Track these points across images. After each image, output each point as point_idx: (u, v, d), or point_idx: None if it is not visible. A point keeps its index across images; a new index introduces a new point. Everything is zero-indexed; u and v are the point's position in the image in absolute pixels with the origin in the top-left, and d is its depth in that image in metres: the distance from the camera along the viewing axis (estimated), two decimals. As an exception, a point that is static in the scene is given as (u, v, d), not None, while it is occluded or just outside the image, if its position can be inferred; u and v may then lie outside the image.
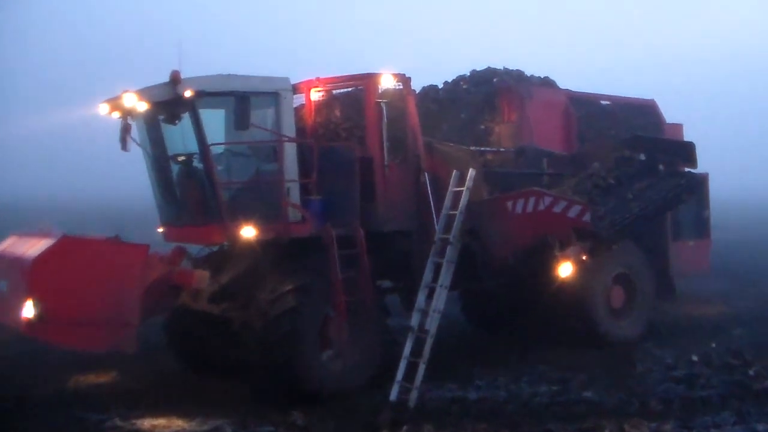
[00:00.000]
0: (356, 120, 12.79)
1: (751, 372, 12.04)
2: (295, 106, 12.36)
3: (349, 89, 13.12)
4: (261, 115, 11.63)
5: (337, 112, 13.10)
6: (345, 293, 11.47)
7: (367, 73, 12.46)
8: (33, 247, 10.56)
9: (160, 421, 10.54)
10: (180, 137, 11.55)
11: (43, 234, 10.96)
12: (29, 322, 10.07)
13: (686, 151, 13.90)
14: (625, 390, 11.54)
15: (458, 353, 13.94)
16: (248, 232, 11.28)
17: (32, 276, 10.16)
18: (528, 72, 15.83)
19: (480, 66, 15.70)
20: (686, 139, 16.30)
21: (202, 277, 11.57)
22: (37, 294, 10.09)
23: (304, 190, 11.96)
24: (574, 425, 9.94)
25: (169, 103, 11.23)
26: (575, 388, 11.72)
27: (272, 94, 11.72)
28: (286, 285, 11.28)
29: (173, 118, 11.40)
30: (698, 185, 14.53)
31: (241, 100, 10.89)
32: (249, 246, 11.54)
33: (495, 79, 15.31)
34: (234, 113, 10.94)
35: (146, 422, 10.50)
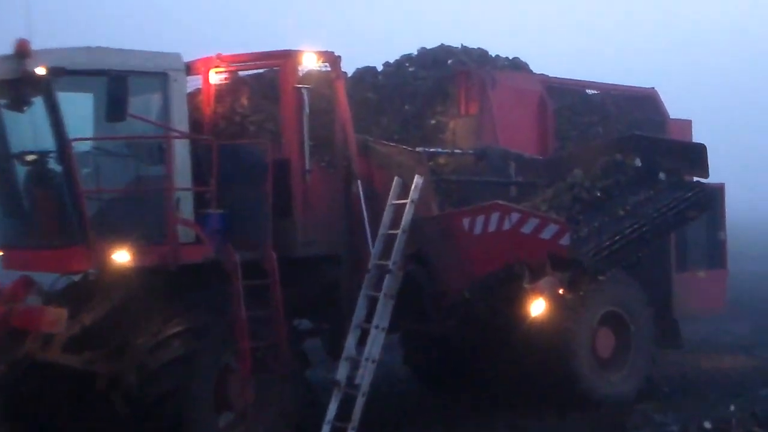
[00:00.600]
0: (269, 111, 12.86)
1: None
2: (189, 91, 12.41)
3: (261, 70, 13.20)
4: (143, 102, 11.69)
5: (245, 100, 13.10)
6: (251, 337, 11.45)
7: (284, 50, 12.54)
8: None
9: None
10: (30, 129, 11.42)
11: None
12: None
13: (695, 156, 14.00)
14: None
15: (398, 415, 14.04)
16: (122, 256, 11.17)
17: None
18: (493, 51, 15.90)
19: (431, 43, 15.82)
20: (695, 139, 16.51)
21: (57, 317, 11.24)
22: None
23: (200, 201, 11.98)
24: None
25: (14, 83, 11.08)
26: (550, 462, 11.85)
27: (158, 75, 11.73)
28: (173, 327, 11.23)
29: (20, 104, 11.21)
30: (710, 199, 14.69)
31: (115, 81, 10.83)
32: (123, 275, 11.44)
33: (450, 61, 15.39)
34: (106, 99, 10.89)
35: None
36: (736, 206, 18.86)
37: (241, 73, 13.24)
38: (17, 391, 12.35)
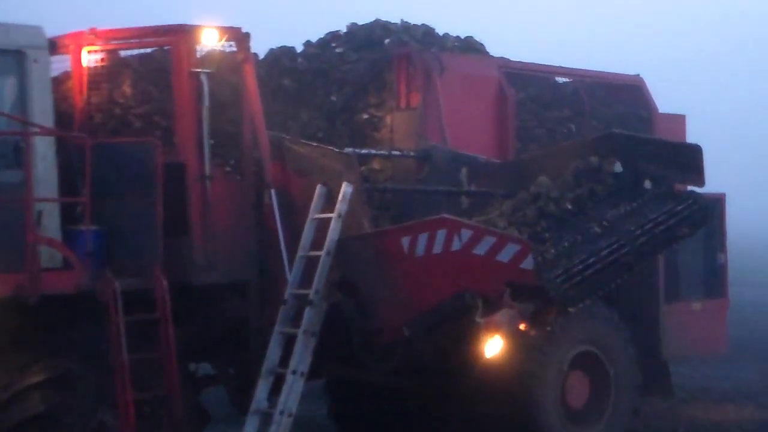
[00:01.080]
0: (159, 101, 12.82)
1: None
2: (54, 75, 12.46)
3: (148, 50, 13.16)
4: None
5: (127, 88, 13.00)
6: (135, 387, 11.43)
7: (178, 25, 12.64)
8: None
9: None
10: None
11: None
12: None
13: (689, 159, 14.08)
14: None
15: None
16: None
17: None
18: (441, 29, 16.17)
19: (365, 18, 16.04)
20: (689, 139, 16.84)
21: None
22: None
23: (69, 215, 11.95)
24: None
25: None
26: None
27: (12, 54, 11.67)
28: (32, 376, 11.16)
29: None
30: (707, 213, 14.52)
31: None
32: None
33: (387, 40, 15.48)
34: None
35: None
36: (738, 220, 18.99)
37: (122, 53, 13.16)
38: None
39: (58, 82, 12.64)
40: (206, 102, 12.44)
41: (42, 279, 11.34)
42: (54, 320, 11.56)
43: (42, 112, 11.73)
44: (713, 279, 17.33)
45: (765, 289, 31.56)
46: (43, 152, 11.67)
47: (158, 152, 12.05)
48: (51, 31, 12.27)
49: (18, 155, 11.49)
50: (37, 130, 11.59)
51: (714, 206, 15.97)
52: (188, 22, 12.58)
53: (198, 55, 12.57)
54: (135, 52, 13.22)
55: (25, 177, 11.38)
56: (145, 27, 12.96)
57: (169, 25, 12.72)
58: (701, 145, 14.13)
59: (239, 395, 12.96)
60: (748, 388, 20.10)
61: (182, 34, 12.49)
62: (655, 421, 16.29)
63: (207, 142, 12.48)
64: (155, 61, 13.00)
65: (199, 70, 12.44)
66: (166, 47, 12.81)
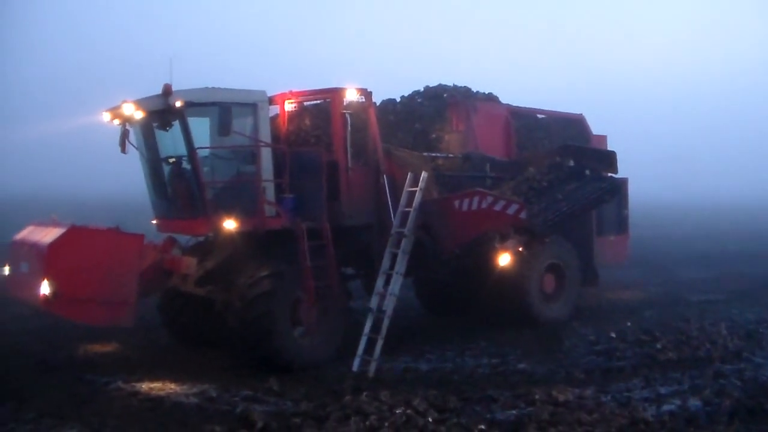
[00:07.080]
0: (324, 128, 12.74)
1: (658, 346, 12.40)
2: (270, 115, 12.33)
3: (318, 101, 13.04)
4: (241, 123, 11.64)
5: (307, 122, 13.06)
6: (313, 279, 11.50)
7: (334, 88, 12.42)
8: (48, 234, 10.77)
9: (156, 385, 10.75)
10: (171, 142, 11.53)
11: (56, 224, 11.11)
12: (45, 299, 10.33)
13: (609, 159, 14.08)
14: (553, 362, 11.75)
15: (411, 331, 14.04)
16: (229, 224, 11.31)
17: (48, 259, 10.41)
18: (474, 88, 15.79)
19: (433, 83, 15.72)
20: (609, 148, 16.40)
21: (190, 264, 11.61)
22: (52, 274, 10.34)
23: (278, 189, 11.95)
24: (510, 392, 10.15)
25: (162, 112, 11.22)
26: (512, 361, 11.93)
27: (251, 105, 11.68)
28: (262, 271, 11.25)
29: (165, 125, 11.36)
30: (619, 188, 14.70)
31: (223, 110, 10.88)
32: (230, 237, 11.60)
33: (445, 95, 15.20)
34: (218, 121, 10.97)
35: (144, 385, 10.73)
36: (638, 192, 18.83)
37: (305, 103, 13.12)
38: (170, 310, 12.68)
39: (272, 119, 12.45)
40: (349, 128, 12.23)
41: (266, 221, 11.53)
42: (272, 243, 11.66)
43: (265, 135, 11.75)
44: (621, 223, 17.02)
45: (647, 230, 30.81)
46: (266, 156, 11.71)
47: (323, 156, 12.04)
48: (269, 92, 12.20)
49: (253, 158, 11.66)
50: (262, 144, 11.64)
51: (622, 184, 15.87)
52: (339, 86, 12.25)
53: (345, 103, 12.31)
54: (312, 102, 13.10)
55: (257, 169, 11.57)
56: (317, 89, 12.69)
57: (329, 88, 12.40)
58: (616, 152, 14.14)
59: (368, 285, 12.72)
60: (636, 281, 19.80)
61: (337, 92, 12.28)
62: (588, 299, 16.00)
63: (349, 150, 12.23)
64: (322, 107, 12.92)
65: (345, 111, 12.24)
66: (327, 99, 12.60)
